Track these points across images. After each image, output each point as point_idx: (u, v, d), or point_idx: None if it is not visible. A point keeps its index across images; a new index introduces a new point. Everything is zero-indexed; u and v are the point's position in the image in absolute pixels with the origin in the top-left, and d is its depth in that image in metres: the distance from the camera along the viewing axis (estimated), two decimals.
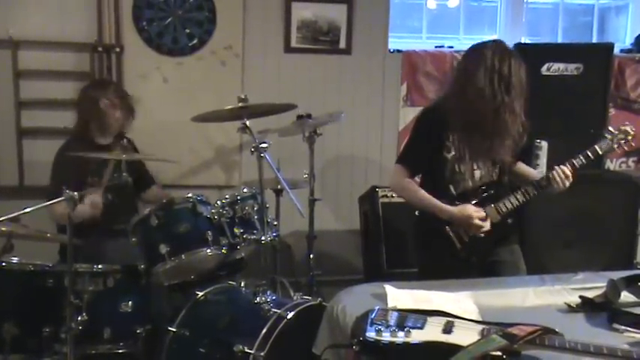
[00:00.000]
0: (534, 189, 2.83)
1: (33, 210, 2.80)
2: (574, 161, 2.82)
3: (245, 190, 3.28)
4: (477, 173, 2.87)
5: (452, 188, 2.86)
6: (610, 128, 2.92)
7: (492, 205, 2.82)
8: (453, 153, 2.84)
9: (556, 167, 2.81)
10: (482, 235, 2.80)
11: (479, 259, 2.87)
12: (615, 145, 2.89)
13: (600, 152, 2.86)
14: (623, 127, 2.88)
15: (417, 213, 3.00)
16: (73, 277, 2.82)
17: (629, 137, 2.87)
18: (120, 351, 2.99)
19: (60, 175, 3.48)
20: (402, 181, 2.93)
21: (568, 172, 2.79)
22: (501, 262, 2.91)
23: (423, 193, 2.88)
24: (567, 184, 2.80)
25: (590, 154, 2.84)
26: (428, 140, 2.87)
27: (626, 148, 2.92)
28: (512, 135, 2.76)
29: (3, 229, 2.78)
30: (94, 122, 3.57)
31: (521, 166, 3.02)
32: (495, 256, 2.91)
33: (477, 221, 2.76)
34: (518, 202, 2.83)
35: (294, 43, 4.55)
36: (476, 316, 2.08)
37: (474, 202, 2.83)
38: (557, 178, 2.78)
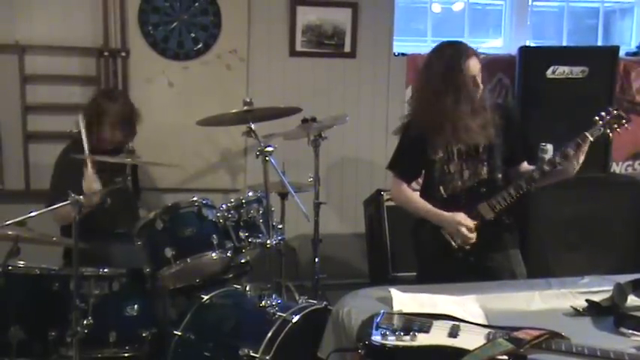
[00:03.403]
0: (526, 182, 2.77)
1: (39, 214, 2.82)
2: (565, 150, 2.76)
3: (250, 193, 3.28)
4: (466, 173, 2.89)
5: (442, 189, 2.90)
6: (602, 112, 2.79)
7: (485, 202, 2.82)
8: (441, 154, 2.88)
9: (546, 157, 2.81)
10: (468, 246, 2.80)
11: (476, 259, 2.87)
12: (608, 130, 2.77)
13: (591, 139, 2.74)
14: (615, 112, 2.77)
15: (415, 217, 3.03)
16: (78, 281, 2.83)
17: (624, 121, 2.77)
18: (125, 355, 3.00)
19: (61, 176, 3.48)
20: (397, 188, 3.02)
21: (557, 159, 2.75)
22: (496, 267, 2.90)
23: (416, 199, 2.96)
24: (576, 165, 2.76)
25: (580, 141, 2.75)
26: (413, 145, 2.93)
27: (619, 131, 2.79)
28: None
29: (9, 232, 2.79)
30: (95, 132, 3.55)
31: (527, 167, 3.02)
32: (490, 261, 2.91)
33: (464, 229, 2.77)
34: (512, 197, 2.80)
35: (299, 47, 4.56)
36: (482, 320, 2.07)
37: (467, 201, 2.84)
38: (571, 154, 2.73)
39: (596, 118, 2.79)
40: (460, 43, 2.89)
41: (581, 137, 2.76)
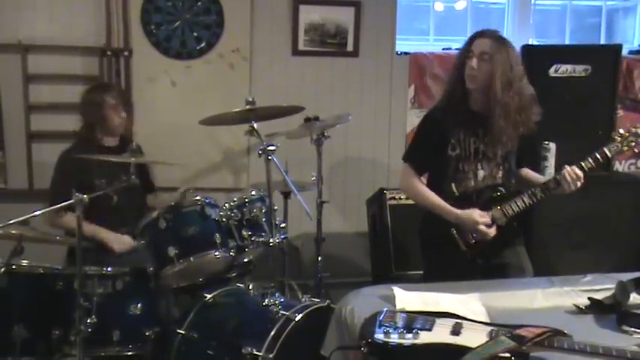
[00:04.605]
0: (542, 192, 2.82)
1: (42, 213, 2.83)
2: (582, 164, 2.80)
3: (253, 192, 3.29)
4: (481, 173, 2.88)
5: (454, 187, 2.89)
6: (620, 130, 2.87)
7: (499, 207, 2.82)
8: (458, 151, 2.87)
9: (566, 167, 2.79)
10: (489, 239, 2.80)
11: (484, 260, 2.87)
12: (625, 148, 2.83)
13: (609, 154, 2.82)
14: (634, 129, 2.83)
15: (423, 213, 3.01)
16: (82, 280, 2.84)
17: None
18: (129, 353, 3.00)
19: (63, 177, 3.49)
20: (409, 180, 2.96)
21: (578, 172, 2.76)
22: (506, 264, 2.91)
23: (429, 193, 2.90)
24: (578, 184, 2.76)
25: (598, 156, 2.80)
26: (432, 138, 2.91)
27: (636, 150, 2.86)
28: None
29: (13, 232, 2.80)
30: (98, 125, 3.59)
31: (528, 173, 3.03)
32: (500, 258, 2.91)
33: (482, 227, 2.77)
34: (525, 204, 2.82)
35: (301, 46, 4.56)
36: (484, 318, 2.08)
37: (479, 203, 2.84)
38: (568, 178, 2.75)
39: (615, 135, 2.85)
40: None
41: (600, 152, 2.81)
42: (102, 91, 3.67)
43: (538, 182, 2.91)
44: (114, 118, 3.59)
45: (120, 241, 3.40)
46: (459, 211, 2.80)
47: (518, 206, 2.82)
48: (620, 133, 2.85)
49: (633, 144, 2.83)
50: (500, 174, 2.90)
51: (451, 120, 2.86)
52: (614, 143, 2.83)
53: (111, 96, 3.61)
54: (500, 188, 2.89)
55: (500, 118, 2.76)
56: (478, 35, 2.84)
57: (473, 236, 2.82)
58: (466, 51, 2.83)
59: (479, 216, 2.78)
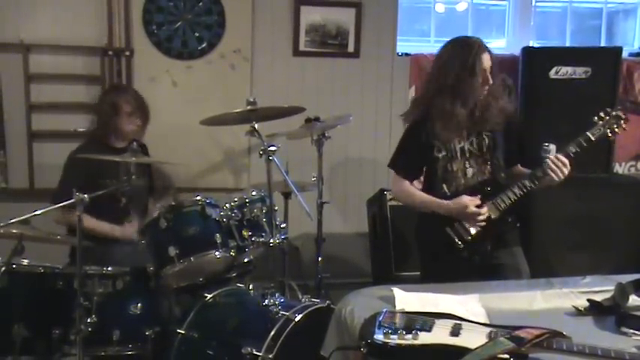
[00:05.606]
0: (530, 181, 2.82)
1: (43, 212, 2.83)
2: (568, 150, 2.81)
3: (254, 192, 3.29)
4: (470, 171, 2.92)
5: (445, 187, 2.93)
6: (600, 113, 2.88)
7: (491, 202, 2.84)
8: (444, 153, 2.91)
9: (550, 156, 2.80)
10: (483, 225, 2.82)
11: (481, 258, 2.89)
12: (607, 130, 2.85)
13: (593, 138, 2.82)
14: (614, 112, 2.86)
15: (417, 216, 3.04)
16: (82, 280, 2.84)
17: (622, 121, 2.85)
18: (129, 353, 3.00)
19: (71, 176, 3.50)
20: (398, 184, 3.03)
21: (564, 159, 2.77)
22: (502, 265, 2.92)
23: (419, 193, 2.97)
24: (565, 171, 2.77)
25: (582, 141, 2.81)
26: (415, 143, 2.95)
27: (618, 132, 2.87)
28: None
29: (14, 231, 2.81)
30: (113, 126, 3.60)
31: (522, 170, 3.04)
32: (495, 259, 2.93)
33: (472, 209, 2.80)
34: (516, 196, 2.83)
35: (302, 47, 4.56)
36: (483, 319, 2.08)
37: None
38: (553, 166, 2.76)
39: (596, 118, 2.87)
40: (472, 38, 2.90)
41: (583, 137, 2.83)
42: (119, 94, 3.68)
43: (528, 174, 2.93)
44: (128, 126, 3.60)
45: (125, 233, 3.49)
46: (448, 202, 2.85)
47: (509, 198, 2.84)
48: (601, 117, 2.86)
49: (615, 126, 2.86)
50: (488, 169, 2.93)
51: (433, 124, 2.88)
52: (597, 127, 2.84)
53: (127, 101, 3.61)
54: (491, 183, 2.91)
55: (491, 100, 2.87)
56: (483, 50, 2.84)
57: (468, 230, 2.83)
58: (475, 67, 2.80)
59: (468, 200, 2.81)
